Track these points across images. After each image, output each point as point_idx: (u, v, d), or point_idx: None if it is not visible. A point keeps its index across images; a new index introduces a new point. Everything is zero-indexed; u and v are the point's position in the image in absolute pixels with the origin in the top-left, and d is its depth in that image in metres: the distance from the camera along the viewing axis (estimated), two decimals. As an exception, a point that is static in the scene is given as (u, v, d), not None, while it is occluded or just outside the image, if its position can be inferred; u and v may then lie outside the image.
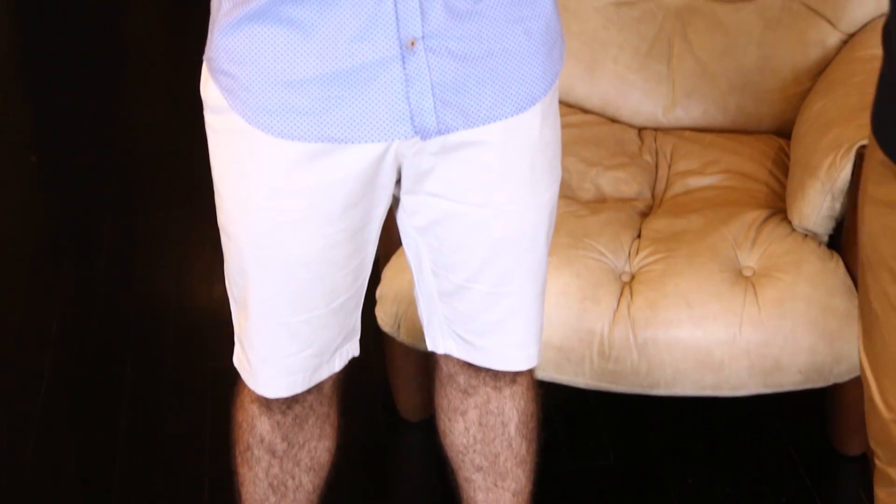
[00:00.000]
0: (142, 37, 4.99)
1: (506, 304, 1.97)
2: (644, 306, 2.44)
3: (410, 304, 2.50)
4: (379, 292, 2.58)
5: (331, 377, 2.03)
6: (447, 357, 2.08)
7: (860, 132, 2.43)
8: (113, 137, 4.17)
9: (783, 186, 2.68)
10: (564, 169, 2.61)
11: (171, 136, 4.11)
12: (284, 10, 1.72)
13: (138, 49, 4.88)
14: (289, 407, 2.02)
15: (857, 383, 2.41)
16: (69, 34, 4.89)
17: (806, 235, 2.52)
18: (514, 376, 2.08)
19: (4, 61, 4.85)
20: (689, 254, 2.49)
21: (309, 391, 2.01)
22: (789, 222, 2.55)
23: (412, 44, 1.73)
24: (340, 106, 1.75)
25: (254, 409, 2.04)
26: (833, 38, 2.83)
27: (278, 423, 2.04)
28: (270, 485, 2.09)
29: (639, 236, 2.57)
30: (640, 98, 2.92)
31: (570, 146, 2.75)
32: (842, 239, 2.51)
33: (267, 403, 2.02)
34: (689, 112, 2.91)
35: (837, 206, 2.47)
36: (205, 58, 1.84)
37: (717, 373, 2.44)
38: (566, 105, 2.92)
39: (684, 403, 2.74)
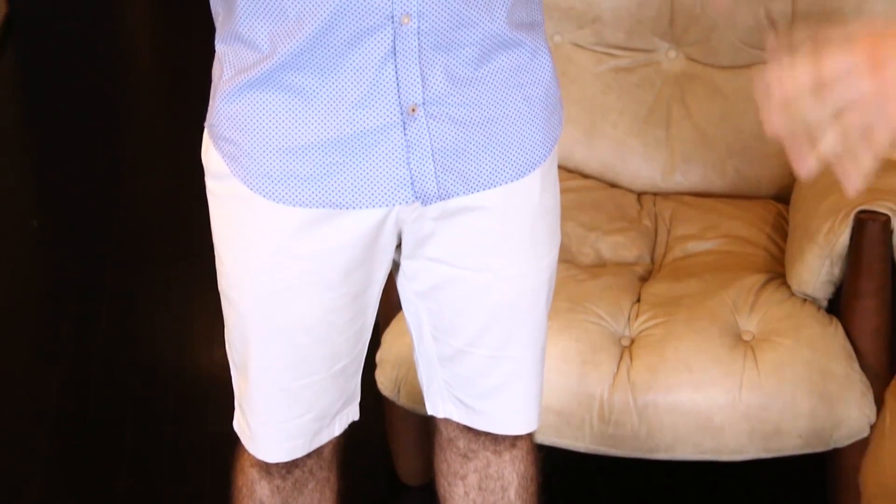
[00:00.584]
0: (144, 103, 5.02)
1: (506, 369, 1.98)
2: (644, 370, 2.45)
3: (410, 368, 2.50)
4: (379, 356, 2.59)
5: (331, 441, 2.03)
6: (447, 421, 2.08)
7: (858, 198, 2.44)
8: (114, 202, 4.19)
9: (782, 251, 2.69)
10: (564, 233, 2.62)
11: (172, 201, 4.12)
12: (286, 78, 1.73)
13: (140, 114, 4.90)
14: (289, 471, 2.02)
15: (858, 448, 2.41)
16: (72, 100, 4.92)
17: (805, 300, 2.53)
18: (514, 440, 2.08)
19: (8, 126, 4.88)
20: (688, 318, 2.50)
21: (309, 455, 2.01)
22: (788, 287, 2.55)
23: (413, 110, 1.74)
24: (341, 172, 1.76)
25: (253, 474, 2.04)
26: (830, 104, 2.85)
27: (278, 488, 2.04)
28: None
29: (638, 300, 2.57)
30: (640, 163, 2.94)
31: (570, 211, 2.76)
32: (841, 303, 2.51)
33: (267, 468, 2.02)
34: (688, 177, 2.92)
35: (836, 270, 2.47)
36: (206, 124, 1.85)
37: (717, 437, 2.43)
38: (566, 170, 2.94)
39: (684, 468, 2.74)
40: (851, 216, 2.43)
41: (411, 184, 1.77)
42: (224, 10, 1.78)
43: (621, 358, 2.47)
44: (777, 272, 2.62)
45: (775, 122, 1.11)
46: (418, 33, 1.70)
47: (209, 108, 1.84)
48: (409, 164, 1.76)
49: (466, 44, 1.74)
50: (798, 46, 1.10)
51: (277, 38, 1.71)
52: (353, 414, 2.04)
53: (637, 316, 2.53)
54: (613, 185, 2.95)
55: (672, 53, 2.93)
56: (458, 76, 1.76)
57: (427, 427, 2.18)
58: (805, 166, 1.11)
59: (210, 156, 1.84)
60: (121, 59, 5.38)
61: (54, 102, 4.91)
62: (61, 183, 4.34)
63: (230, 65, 1.78)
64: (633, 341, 2.50)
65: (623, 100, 2.93)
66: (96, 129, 4.68)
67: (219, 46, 1.81)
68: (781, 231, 2.75)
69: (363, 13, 1.68)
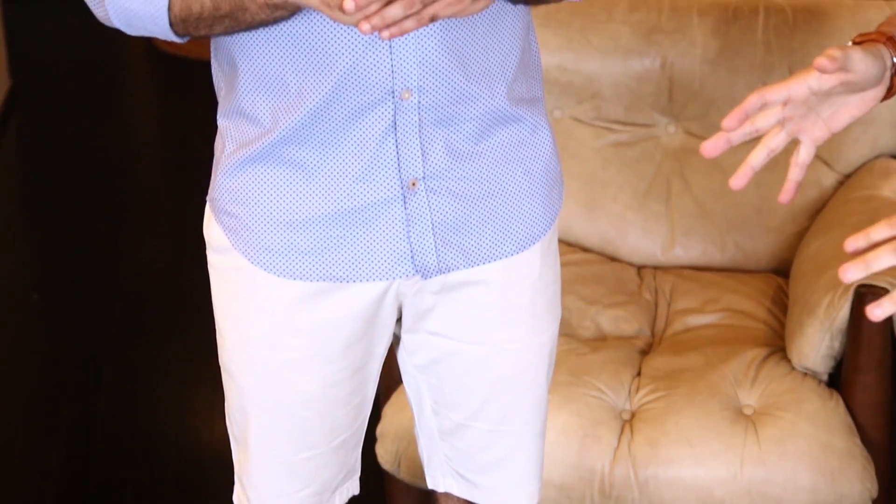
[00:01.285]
0: (146, 176, 5.04)
1: (506, 443, 1.97)
2: (645, 444, 2.44)
3: (411, 442, 2.49)
4: (379, 430, 2.58)
5: (331, 516, 2.02)
6: (448, 495, 2.07)
7: (857, 271, 2.44)
8: (115, 275, 4.19)
9: (782, 325, 2.69)
10: (564, 307, 2.62)
11: (173, 274, 4.13)
12: (287, 152, 1.74)
13: (142, 188, 4.92)
14: None
15: (860, 523, 2.40)
16: (74, 173, 4.93)
17: (806, 374, 2.53)
18: (514, 515, 2.07)
19: (10, 198, 4.89)
20: (689, 392, 2.49)
21: (309, 530, 2.00)
22: (789, 361, 2.55)
23: (413, 184, 1.75)
24: (342, 245, 1.77)
25: (253, 548, 2.03)
26: (829, 179, 2.86)
27: None
28: None
29: (639, 374, 2.57)
30: (640, 237, 2.94)
31: (570, 284, 2.77)
32: (841, 378, 2.51)
33: (267, 542, 2.01)
34: (687, 251, 2.93)
35: (836, 344, 2.47)
36: (208, 198, 1.86)
37: (719, 512, 2.42)
38: (566, 243, 2.94)
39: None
40: (851, 290, 2.43)
41: (411, 257, 1.78)
42: (226, 84, 1.80)
43: (622, 432, 2.46)
44: (777, 346, 2.62)
45: (853, 272, 1.28)
46: (419, 108, 1.71)
47: (211, 183, 1.85)
48: (409, 237, 1.77)
49: (467, 119, 1.76)
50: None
51: (279, 112, 1.73)
52: (354, 488, 2.03)
53: (638, 390, 2.53)
54: (614, 259, 2.95)
55: (671, 128, 2.95)
56: (458, 151, 1.77)
57: (428, 501, 2.17)
58: (878, 310, 1.28)
59: (211, 229, 1.85)
60: (123, 133, 5.40)
61: (56, 175, 4.93)
62: (62, 256, 4.35)
63: (232, 139, 1.79)
64: (633, 415, 2.49)
65: (623, 174, 2.95)
66: (98, 202, 4.69)
67: (221, 121, 1.82)
68: (781, 305, 2.75)
69: (364, 88, 1.69)
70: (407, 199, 1.76)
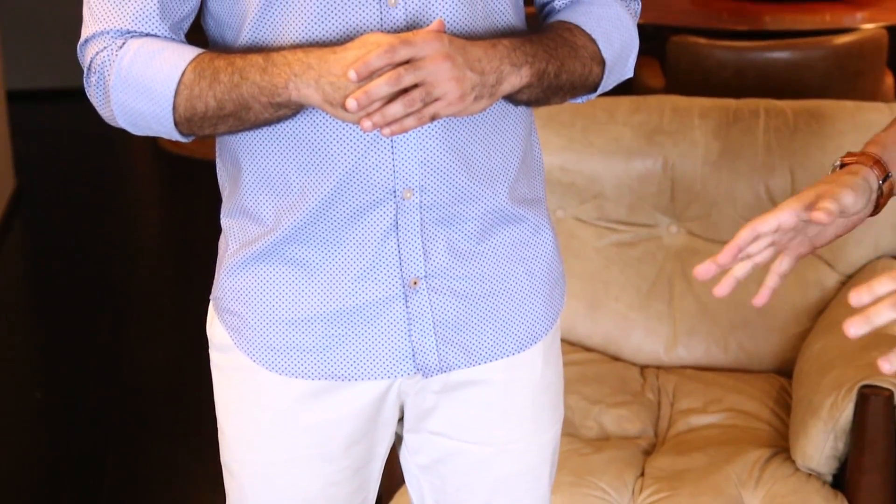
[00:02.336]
0: (149, 275, 5.05)
1: (509, 543, 1.96)
2: (648, 546, 2.42)
3: (413, 544, 2.48)
4: (381, 531, 2.56)
5: None
6: None
7: (861, 372, 2.44)
8: (118, 373, 4.19)
9: (786, 425, 2.68)
10: (567, 407, 2.62)
11: (175, 373, 4.13)
12: (290, 251, 1.75)
13: (146, 287, 4.93)
14: None
15: None
16: (78, 272, 4.95)
17: (810, 475, 2.51)
18: None
19: (14, 297, 4.90)
20: (693, 493, 2.48)
21: None
22: (793, 462, 2.54)
23: (415, 283, 1.76)
24: (344, 344, 1.77)
25: None
26: (831, 280, 2.87)
27: None
28: None
29: (642, 474, 2.56)
30: (642, 337, 2.94)
31: (573, 384, 2.76)
32: (845, 478, 2.50)
33: None
34: (690, 351, 2.93)
35: (840, 445, 2.46)
36: (211, 297, 1.87)
37: None
38: (569, 343, 2.94)
39: None
40: (855, 391, 2.43)
41: (413, 356, 1.78)
42: (230, 184, 1.81)
43: (625, 533, 2.45)
44: (781, 447, 2.60)
45: (856, 327, 1.31)
46: (420, 208, 1.72)
47: (214, 282, 1.85)
48: (410, 336, 1.77)
49: (469, 218, 1.77)
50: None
51: (281, 211, 1.74)
52: (356, 588, 2.01)
53: (641, 490, 2.51)
54: (616, 359, 2.95)
55: (673, 228, 2.96)
56: (460, 250, 1.77)
57: None
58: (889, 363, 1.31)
59: (214, 328, 1.85)
60: (127, 232, 5.43)
61: (60, 273, 4.95)
62: (65, 354, 4.35)
63: (235, 238, 1.80)
64: (637, 516, 2.48)
65: (625, 274, 2.96)
66: (101, 301, 4.70)
67: (224, 220, 1.83)
68: (785, 405, 2.74)
69: (365, 188, 1.70)
70: (408, 298, 1.76)
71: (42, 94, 6.76)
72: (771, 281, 1.62)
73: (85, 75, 1.72)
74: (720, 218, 2.93)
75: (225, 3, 1.72)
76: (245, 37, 1.70)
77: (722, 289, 1.58)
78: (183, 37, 1.74)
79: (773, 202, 2.87)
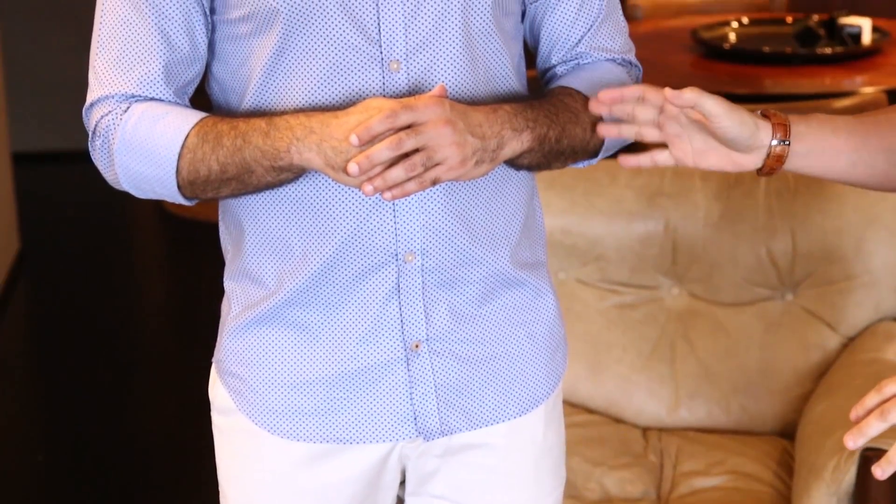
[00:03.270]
0: (152, 338, 5.05)
1: None
2: None
3: None
4: None
5: None
6: None
7: (863, 434, 2.43)
8: (120, 435, 4.18)
9: (788, 488, 2.67)
10: (569, 469, 2.61)
11: (177, 435, 4.12)
12: (292, 314, 1.76)
13: (148, 349, 4.93)
14: None
15: None
16: (81, 334, 4.95)
17: (813, 538, 2.50)
18: None
19: (17, 359, 4.90)
20: (695, 556, 2.47)
21: None
22: (796, 524, 2.53)
23: (416, 346, 1.76)
24: (345, 407, 1.77)
25: None
26: (833, 342, 2.87)
27: None
28: None
29: (645, 538, 2.55)
30: (645, 398, 2.94)
31: (575, 446, 2.76)
32: (849, 542, 2.49)
33: None
34: (693, 413, 2.92)
35: (843, 508, 2.46)
36: (214, 360, 1.87)
37: None
38: (570, 405, 2.94)
39: None
40: (857, 454, 2.42)
41: (414, 419, 1.78)
42: (233, 247, 1.82)
43: None
44: (784, 510, 2.60)
45: (853, 440, 1.49)
46: (422, 271, 1.73)
47: (217, 344, 1.86)
48: (411, 399, 1.77)
49: (470, 282, 1.77)
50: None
51: (284, 274, 1.75)
52: None
53: (644, 554, 2.50)
54: (618, 421, 2.95)
55: (675, 290, 2.97)
56: (461, 313, 1.78)
57: None
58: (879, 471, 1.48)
59: (216, 391, 1.86)
60: (131, 294, 5.43)
61: (63, 336, 4.95)
62: (67, 416, 4.34)
63: (237, 301, 1.81)
64: (640, 580, 2.47)
65: (627, 336, 2.96)
66: (104, 364, 4.70)
67: (227, 283, 1.84)
68: (787, 468, 2.74)
69: (367, 251, 1.71)
70: (410, 362, 1.76)
71: (47, 156, 6.79)
72: (643, 159, 1.70)
73: (90, 139, 1.74)
74: (722, 280, 2.93)
75: (229, 69, 1.74)
76: (249, 101, 1.72)
77: (604, 128, 1.69)
78: (187, 101, 1.76)
79: (774, 265, 2.88)
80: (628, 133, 1.69)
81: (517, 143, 1.67)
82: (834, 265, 2.85)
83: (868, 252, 2.83)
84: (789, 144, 1.67)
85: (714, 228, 2.91)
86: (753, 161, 1.68)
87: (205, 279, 3.81)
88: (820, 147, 1.69)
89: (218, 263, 1.91)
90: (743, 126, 1.65)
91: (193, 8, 1.70)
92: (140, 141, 1.68)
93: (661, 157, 1.71)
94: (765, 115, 1.68)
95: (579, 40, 1.82)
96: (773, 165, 1.68)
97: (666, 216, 2.93)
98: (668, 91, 1.61)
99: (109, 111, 1.70)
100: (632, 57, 1.87)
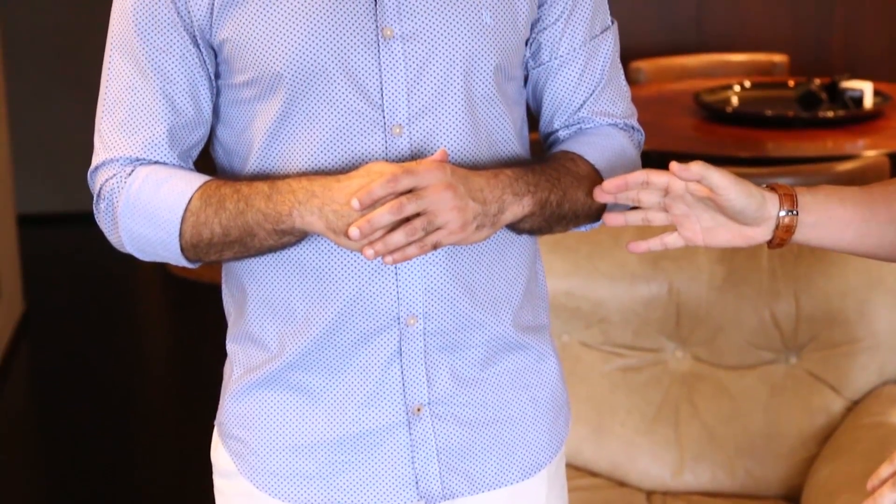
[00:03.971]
0: (155, 400, 5.05)
1: None
2: None
3: None
4: None
5: None
6: None
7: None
8: (123, 499, 4.17)
9: (794, 553, 2.66)
10: (573, 534, 2.60)
11: (180, 499, 4.10)
12: (294, 377, 1.76)
13: (151, 411, 4.92)
14: None
15: None
16: (84, 395, 4.95)
17: None
18: None
19: (20, 420, 4.89)
20: None
21: None
22: (801, 590, 2.51)
23: (419, 410, 1.76)
24: (347, 470, 1.77)
25: None
26: (837, 405, 2.86)
27: None
28: None
29: None
30: (649, 462, 2.93)
31: (579, 510, 2.74)
32: None
33: None
34: (697, 476, 2.91)
35: (850, 573, 2.44)
36: (216, 422, 1.87)
37: None
38: (574, 468, 2.93)
39: None
40: (863, 518, 2.41)
41: (416, 484, 1.78)
42: (236, 309, 1.82)
43: None
44: (790, 575, 2.58)
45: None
46: (424, 335, 1.73)
47: (219, 407, 1.86)
48: (413, 463, 1.77)
49: (472, 345, 1.77)
50: None
51: (286, 338, 1.75)
52: None
53: None
54: (622, 484, 2.94)
55: (679, 353, 2.97)
56: (463, 377, 1.78)
57: None
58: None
59: (219, 454, 1.85)
60: (134, 356, 5.43)
61: (67, 397, 4.94)
62: (70, 478, 4.33)
63: (240, 364, 1.81)
64: None
65: (631, 399, 2.95)
66: (107, 425, 4.69)
67: (230, 346, 1.84)
68: (793, 533, 2.72)
69: (369, 314, 1.71)
70: (412, 425, 1.76)
71: (52, 218, 6.82)
72: (653, 243, 1.72)
73: (94, 201, 1.75)
74: (726, 343, 2.93)
75: (233, 132, 1.75)
76: (252, 164, 1.73)
77: (610, 218, 1.71)
78: (191, 164, 1.77)
79: (778, 328, 2.88)
80: (634, 220, 1.69)
81: (518, 208, 1.67)
82: (837, 328, 2.85)
83: (871, 315, 2.83)
84: (797, 214, 1.67)
85: (718, 291, 2.91)
86: (763, 234, 1.68)
87: (208, 342, 3.81)
88: (827, 218, 1.69)
89: (221, 326, 1.91)
90: (750, 198, 1.64)
91: (198, 73, 1.72)
92: (144, 204, 1.69)
93: (670, 240, 1.71)
94: (771, 188, 1.68)
95: (581, 105, 1.83)
96: (782, 237, 1.68)
97: (669, 279, 2.93)
98: (674, 165, 1.61)
99: (114, 174, 1.71)
100: (634, 122, 1.88)
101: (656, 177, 1.64)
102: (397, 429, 1.76)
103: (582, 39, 1.81)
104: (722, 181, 1.62)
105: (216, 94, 1.75)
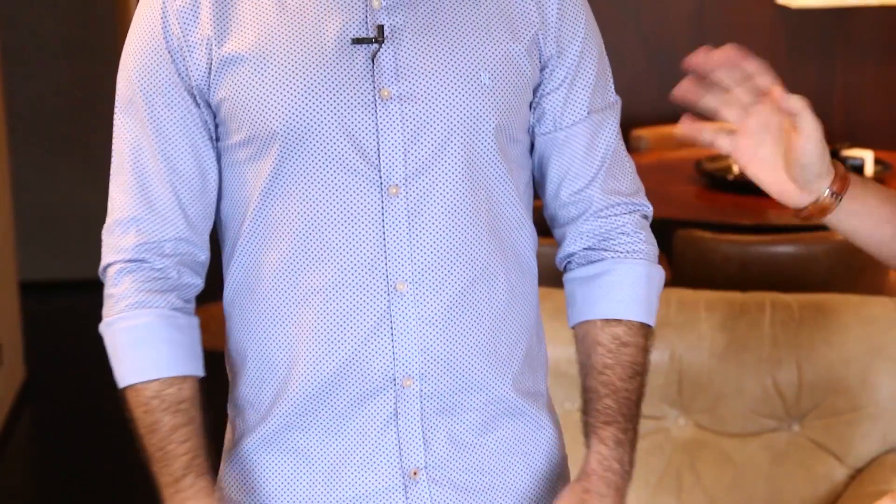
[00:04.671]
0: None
1: None
2: None
3: None
4: None
5: None
6: None
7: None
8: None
9: None
10: None
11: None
12: (290, 439, 1.75)
13: (153, 477, 4.90)
14: None
15: None
16: (85, 463, 4.93)
17: None
18: None
19: (22, 490, 4.87)
20: None
21: None
22: None
23: (415, 474, 1.75)
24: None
25: None
26: (840, 473, 2.85)
27: None
28: None
29: None
30: (652, 531, 2.92)
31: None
32: None
33: None
34: (700, 545, 2.90)
35: None
36: (216, 487, 1.86)
37: None
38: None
39: None
40: (866, 587, 2.40)
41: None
42: (234, 373, 1.83)
43: None
44: None
45: None
46: (421, 396, 1.72)
47: (219, 471, 1.85)
48: (410, 529, 1.76)
49: (471, 408, 1.76)
50: None
51: (281, 399, 1.75)
52: None
53: None
54: (625, 553, 2.92)
55: (681, 421, 2.96)
56: (461, 441, 1.77)
57: None
58: None
59: (219, 518, 1.85)
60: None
61: (68, 465, 4.92)
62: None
63: (238, 426, 1.82)
64: None
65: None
66: (107, 491, 4.67)
67: (230, 409, 1.85)
68: None
69: (364, 375, 1.71)
70: (408, 489, 1.75)
71: (54, 285, 6.82)
72: (705, 131, 1.69)
73: (101, 271, 1.78)
74: (728, 411, 2.92)
75: (228, 194, 1.76)
76: (248, 226, 1.74)
77: (685, 125, 1.68)
78: (204, 230, 1.78)
79: (780, 395, 2.87)
80: (711, 102, 1.67)
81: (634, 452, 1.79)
82: (840, 396, 2.84)
83: (874, 383, 2.83)
84: (840, 200, 1.66)
85: (719, 359, 2.91)
86: (801, 199, 1.69)
87: (211, 406, 3.79)
88: (867, 211, 1.69)
89: (223, 391, 1.91)
90: (821, 161, 1.65)
91: (200, 133, 1.73)
92: (114, 346, 1.78)
93: (721, 142, 1.69)
94: (834, 164, 1.68)
95: (589, 182, 1.81)
96: (814, 213, 1.68)
97: (671, 346, 2.93)
98: (776, 90, 1.61)
99: (113, 285, 1.76)
100: (641, 198, 1.87)
101: (749, 64, 1.63)
102: (393, 493, 1.75)
103: (587, 110, 1.80)
104: (811, 127, 1.62)
105: (218, 157, 1.76)
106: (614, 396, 1.79)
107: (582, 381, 1.83)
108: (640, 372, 1.81)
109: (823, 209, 1.67)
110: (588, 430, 1.80)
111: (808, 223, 1.70)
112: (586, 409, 1.81)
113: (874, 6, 5.66)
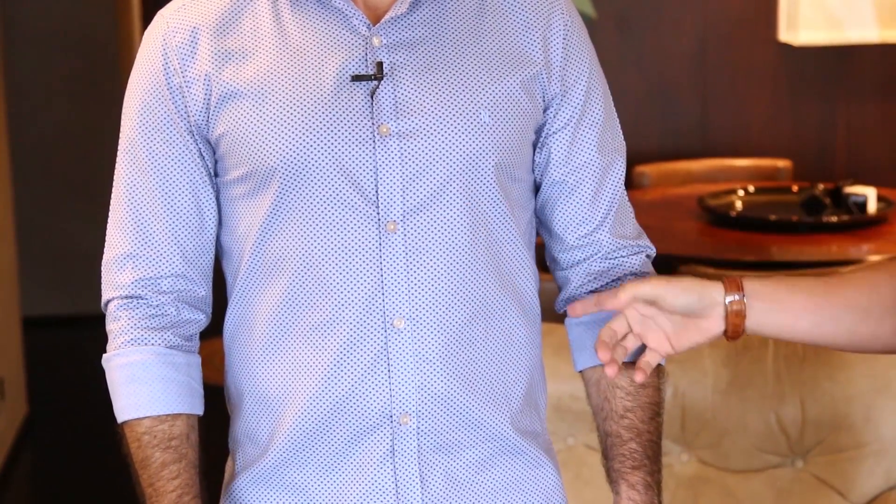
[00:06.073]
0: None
1: None
2: None
3: None
4: None
5: None
6: None
7: None
8: None
9: None
10: None
11: None
12: (288, 475, 1.75)
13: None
14: None
15: None
16: (87, 499, 4.92)
17: None
18: None
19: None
20: None
21: None
22: None
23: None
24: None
25: None
26: (844, 510, 2.84)
27: None
28: None
29: None
30: (655, 569, 2.90)
31: None
32: None
33: None
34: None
35: None
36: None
37: None
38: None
39: None
40: None
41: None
42: (233, 409, 1.83)
43: None
44: None
45: None
46: (418, 434, 1.71)
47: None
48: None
49: (469, 446, 1.75)
50: None
51: (278, 435, 1.74)
52: None
53: None
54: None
55: (685, 457, 2.95)
56: (458, 479, 1.75)
57: None
58: None
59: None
60: (137, 460, 5.41)
61: (70, 499, 4.92)
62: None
63: (237, 461, 1.81)
64: None
65: (636, 503, 2.93)
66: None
67: (230, 444, 1.85)
68: None
69: (361, 412, 1.70)
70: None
71: (56, 321, 6.82)
72: (637, 375, 1.71)
73: (103, 305, 1.78)
74: (731, 447, 2.92)
75: (227, 230, 1.77)
76: (247, 262, 1.74)
77: (609, 370, 1.69)
78: (206, 267, 1.78)
79: (784, 432, 2.87)
80: (621, 357, 1.70)
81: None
82: (844, 433, 2.83)
83: (878, 420, 2.82)
84: (744, 300, 1.67)
85: (722, 395, 2.91)
86: (717, 324, 1.69)
87: (212, 444, 3.78)
88: (779, 306, 1.69)
89: (224, 425, 1.91)
90: (688, 292, 1.66)
91: (198, 170, 1.74)
92: (111, 381, 1.78)
93: (647, 359, 1.72)
94: (718, 279, 1.69)
95: (597, 226, 1.80)
96: (735, 322, 1.68)
97: (674, 382, 2.93)
98: (603, 301, 1.67)
99: (114, 321, 1.76)
100: (645, 241, 1.86)
101: (607, 301, 1.69)
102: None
103: (595, 151, 1.79)
104: (653, 290, 1.65)
105: (217, 193, 1.77)
106: (638, 440, 1.79)
107: (599, 425, 1.81)
108: (658, 412, 1.81)
109: (738, 314, 1.68)
110: (615, 476, 1.79)
111: (739, 336, 1.71)
112: (610, 455, 1.80)
113: (876, 44, 5.68)
